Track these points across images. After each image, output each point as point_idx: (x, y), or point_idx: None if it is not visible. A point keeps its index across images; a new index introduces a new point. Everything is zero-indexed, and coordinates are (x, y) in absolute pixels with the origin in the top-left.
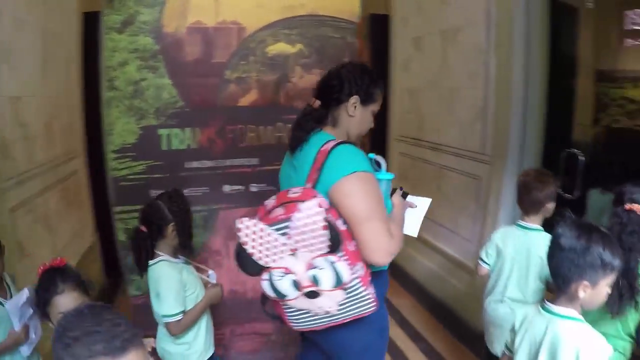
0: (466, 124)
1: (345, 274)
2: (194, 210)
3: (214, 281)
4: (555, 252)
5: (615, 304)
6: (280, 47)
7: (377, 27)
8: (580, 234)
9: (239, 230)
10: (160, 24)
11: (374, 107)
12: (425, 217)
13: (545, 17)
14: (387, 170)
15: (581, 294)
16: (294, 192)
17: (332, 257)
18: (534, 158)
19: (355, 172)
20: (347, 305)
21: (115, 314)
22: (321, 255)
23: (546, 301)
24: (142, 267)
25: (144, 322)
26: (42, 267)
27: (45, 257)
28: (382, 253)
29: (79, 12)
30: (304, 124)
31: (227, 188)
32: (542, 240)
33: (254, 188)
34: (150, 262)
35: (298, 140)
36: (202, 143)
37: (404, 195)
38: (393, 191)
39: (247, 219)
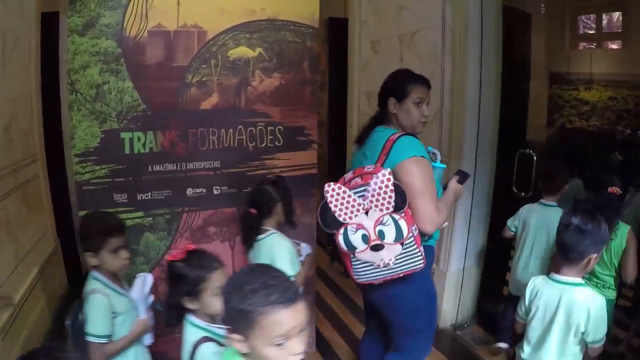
0: None
1: (405, 230)
2: (157, 213)
3: (308, 252)
4: (570, 234)
5: None
6: (241, 51)
7: (336, 31)
8: (591, 217)
9: (326, 192)
10: (122, 27)
11: (412, 99)
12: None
13: (498, 22)
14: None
15: (592, 264)
16: (368, 167)
17: (396, 215)
18: (489, 158)
19: (414, 156)
20: (402, 259)
21: (280, 271)
22: (388, 213)
23: (553, 274)
24: (249, 244)
25: None
26: (180, 252)
27: (8, 264)
28: (428, 222)
29: (38, 13)
30: (368, 123)
31: (190, 191)
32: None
33: (216, 191)
34: (261, 236)
35: (364, 134)
36: (164, 146)
37: (463, 179)
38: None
39: (333, 183)
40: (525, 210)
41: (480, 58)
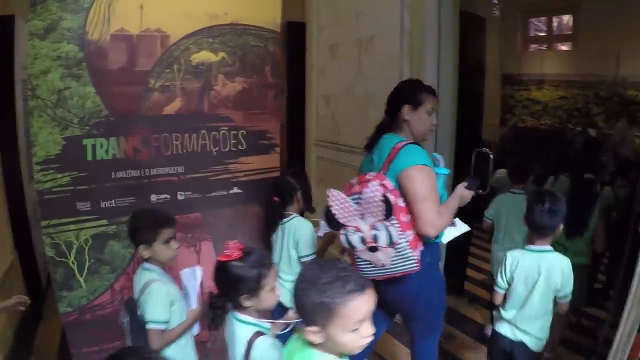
0: None
1: (395, 236)
2: (121, 221)
3: (326, 230)
4: (545, 215)
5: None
6: (203, 56)
7: (294, 35)
8: (557, 198)
9: (327, 196)
10: (84, 30)
11: (426, 108)
12: None
13: (455, 27)
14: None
15: (559, 232)
16: (370, 175)
17: (386, 222)
18: (447, 158)
19: (416, 165)
20: (396, 261)
21: (344, 263)
22: (379, 220)
23: (529, 245)
24: (271, 230)
25: (78, 340)
26: (232, 251)
27: None
28: (430, 226)
29: None
30: (376, 130)
31: (154, 197)
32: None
33: (180, 196)
34: (285, 220)
35: (372, 141)
36: (127, 152)
37: (471, 185)
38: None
39: (334, 190)
40: (497, 199)
41: (438, 62)
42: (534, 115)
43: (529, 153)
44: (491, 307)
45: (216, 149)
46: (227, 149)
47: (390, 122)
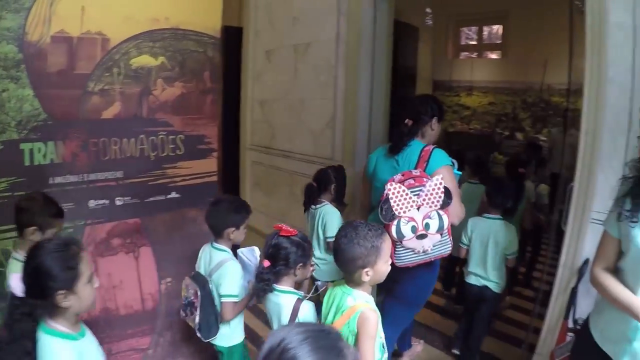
0: (316, 132)
1: (446, 222)
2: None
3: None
4: (499, 192)
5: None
6: (143, 60)
7: (231, 39)
8: (508, 184)
9: (388, 190)
10: (24, 31)
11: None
12: (281, 221)
13: (389, 35)
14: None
15: (504, 206)
16: (415, 172)
17: (441, 211)
18: None
19: (447, 165)
20: (438, 245)
21: (358, 221)
22: (435, 209)
23: (484, 214)
24: (307, 208)
25: None
26: (286, 230)
27: None
28: (456, 217)
29: None
30: (403, 136)
31: (92, 203)
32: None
33: (119, 201)
34: (318, 205)
35: (401, 146)
36: (65, 157)
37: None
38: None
39: (394, 183)
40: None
41: (372, 68)
42: (463, 120)
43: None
44: (461, 264)
45: (154, 154)
46: (165, 154)
47: (417, 129)
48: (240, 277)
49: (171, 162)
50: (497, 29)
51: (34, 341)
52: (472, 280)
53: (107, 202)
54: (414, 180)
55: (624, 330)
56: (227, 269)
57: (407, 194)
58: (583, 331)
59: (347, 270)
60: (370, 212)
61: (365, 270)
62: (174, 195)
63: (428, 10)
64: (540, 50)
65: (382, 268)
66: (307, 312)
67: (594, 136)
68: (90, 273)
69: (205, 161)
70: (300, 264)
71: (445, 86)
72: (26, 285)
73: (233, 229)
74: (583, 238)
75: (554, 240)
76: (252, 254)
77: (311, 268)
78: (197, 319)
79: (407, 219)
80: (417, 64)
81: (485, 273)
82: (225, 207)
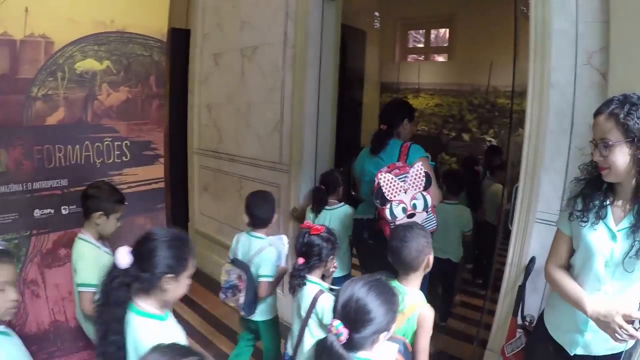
0: (264, 136)
1: (429, 201)
2: (5, 239)
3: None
4: (455, 182)
5: None
6: (88, 64)
7: (177, 42)
8: (461, 172)
9: (379, 179)
10: None
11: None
12: (230, 225)
13: (337, 39)
14: None
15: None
16: (398, 163)
17: (424, 192)
18: (327, 165)
19: (424, 156)
20: (425, 222)
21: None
22: (419, 191)
23: (445, 200)
24: (319, 211)
25: None
26: (316, 228)
27: None
28: (436, 199)
29: None
30: (382, 138)
31: (37, 212)
32: None
33: (65, 211)
34: (333, 207)
35: (381, 147)
36: (8, 165)
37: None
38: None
39: (383, 173)
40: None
41: (319, 72)
42: None
43: None
44: None
45: (100, 161)
46: (111, 161)
47: (392, 130)
48: (276, 260)
49: (117, 169)
50: (444, 32)
51: (124, 310)
52: (438, 254)
53: (52, 211)
54: (399, 169)
55: (575, 322)
56: (267, 254)
57: (395, 181)
58: (538, 324)
59: (408, 268)
60: (359, 203)
61: (425, 263)
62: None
63: (376, 13)
64: (485, 53)
65: (431, 258)
66: (324, 303)
67: (537, 138)
68: (192, 272)
69: (151, 167)
70: (331, 256)
71: (392, 88)
72: (140, 260)
73: (276, 217)
74: (529, 237)
75: (502, 238)
76: (281, 241)
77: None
78: (241, 299)
79: (397, 202)
80: (364, 67)
81: (447, 247)
82: (270, 198)
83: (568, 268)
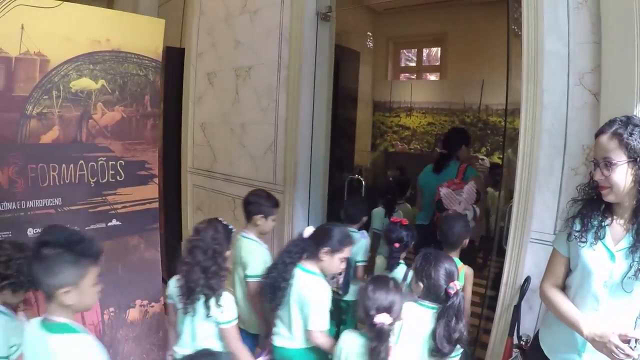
0: (258, 156)
1: (478, 212)
2: None
3: None
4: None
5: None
6: (83, 83)
7: (172, 60)
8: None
9: (440, 192)
10: None
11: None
12: None
13: (331, 60)
14: None
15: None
16: (456, 180)
17: (474, 205)
18: (322, 185)
19: (476, 175)
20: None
21: None
22: (471, 204)
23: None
24: (392, 211)
25: None
26: (405, 221)
27: None
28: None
29: None
30: (443, 160)
31: (31, 231)
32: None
33: None
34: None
35: (443, 167)
36: (2, 184)
37: None
38: None
39: (443, 187)
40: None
41: (313, 93)
42: (403, 140)
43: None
44: None
45: (94, 180)
46: (105, 180)
47: (450, 155)
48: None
49: (111, 188)
50: (436, 51)
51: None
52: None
53: None
54: (456, 185)
55: (573, 343)
56: (364, 245)
57: (453, 194)
58: (533, 345)
59: (457, 243)
60: (420, 211)
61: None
62: (114, 222)
63: (369, 33)
64: (477, 72)
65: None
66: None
67: (530, 159)
68: None
69: (146, 187)
70: (413, 242)
71: (385, 107)
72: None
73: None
74: (523, 257)
75: (496, 256)
76: (364, 235)
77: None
78: (341, 280)
79: (452, 211)
80: (358, 86)
81: None
82: (361, 200)
83: (563, 288)
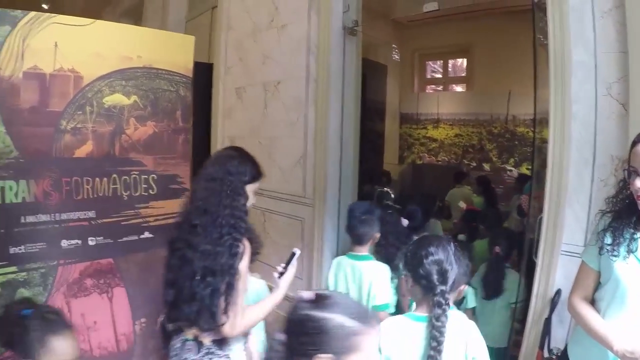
0: (287, 170)
1: None
2: (32, 267)
3: None
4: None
5: None
6: (116, 99)
7: (200, 75)
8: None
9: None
10: None
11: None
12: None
13: (358, 74)
14: None
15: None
16: None
17: None
18: (351, 197)
19: None
20: None
21: None
22: None
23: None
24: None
25: None
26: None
27: None
28: None
29: None
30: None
31: (64, 243)
32: None
33: (91, 242)
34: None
35: None
36: (37, 196)
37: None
38: None
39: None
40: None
41: (342, 106)
42: (431, 152)
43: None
44: None
45: (127, 194)
46: (138, 194)
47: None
48: None
49: (144, 201)
50: (461, 62)
51: None
52: None
53: (79, 242)
54: None
55: (603, 358)
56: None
57: None
58: (562, 359)
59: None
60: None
61: None
62: (147, 235)
63: (394, 46)
64: (504, 82)
65: None
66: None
67: (560, 170)
68: None
69: (178, 201)
70: None
71: (412, 119)
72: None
73: None
74: (554, 269)
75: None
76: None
77: None
78: None
79: None
80: (385, 99)
81: None
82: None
83: (592, 302)
